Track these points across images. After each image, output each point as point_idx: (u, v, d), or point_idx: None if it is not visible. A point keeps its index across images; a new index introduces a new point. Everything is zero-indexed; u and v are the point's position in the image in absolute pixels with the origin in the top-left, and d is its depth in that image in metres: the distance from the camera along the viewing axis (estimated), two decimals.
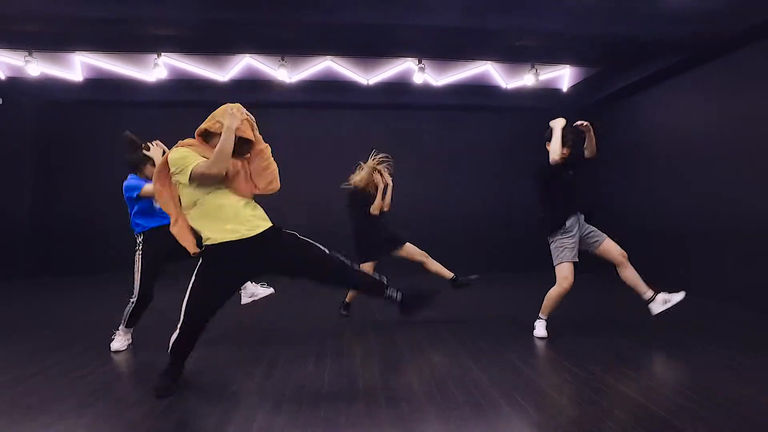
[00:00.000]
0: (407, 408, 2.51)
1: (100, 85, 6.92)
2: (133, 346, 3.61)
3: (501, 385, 2.82)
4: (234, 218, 2.54)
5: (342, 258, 2.72)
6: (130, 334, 3.62)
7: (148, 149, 3.46)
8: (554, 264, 3.80)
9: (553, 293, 3.78)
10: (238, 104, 2.64)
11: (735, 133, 5.19)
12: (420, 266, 4.54)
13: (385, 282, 2.80)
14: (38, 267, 7.45)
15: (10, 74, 6.49)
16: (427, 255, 4.53)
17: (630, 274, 3.75)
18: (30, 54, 5.60)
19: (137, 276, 3.45)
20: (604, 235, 3.85)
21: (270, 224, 2.67)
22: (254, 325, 4.28)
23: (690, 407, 2.46)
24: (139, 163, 3.51)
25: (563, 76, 7.28)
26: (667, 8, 4.71)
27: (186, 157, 2.51)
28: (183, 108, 7.65)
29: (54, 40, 5.45)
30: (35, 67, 5.69)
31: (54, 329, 4.17)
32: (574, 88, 7.52)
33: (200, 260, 2.63)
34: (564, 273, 3.71)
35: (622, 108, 7.29)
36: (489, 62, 6.58)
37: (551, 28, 5.03)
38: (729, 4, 4.63)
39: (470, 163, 8.17)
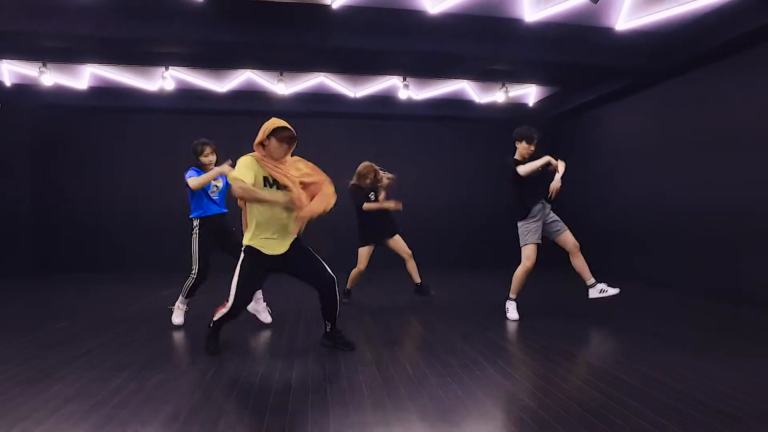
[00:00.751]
0: (410, 369, 3.16)
1: (103, 92, 7.33)
2: (164, 335, 4.13)
3: (483, 353, 3.51)
4: (276, 230, 3.27)
5: (332, 277, 3.43)
6: (185, 306, 4.29)
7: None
8: (520, 245, 4.48)
9: (519, 272, 4.47)
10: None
11: (669, 144, 6.13)
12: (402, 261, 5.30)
13: (334, 321, 3.61)
14: (40, 266, 7.76)
15: (15, 81, 6.81)
16: (411, 255, 5.24)
17: (579, 262, 4.47)
18: (44, 65, 5.97)
19: (195, 255, 4.10)
20: (565, 226, 4.52)
21: (294, 238, 3.35)
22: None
23: (643, 371, 3.21)
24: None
25: (530, 94, 8.13)
26: (616, 43, 5.56)
27: (241, 167, 3.17)
28: (181, 115, 8.13)
29: (67, 55, 5.86)
30: (49, 77, 6.07)
31: (82, 322, 4.64)
32: (539, 103, 8.38)
33: (242, 255, 3.36)
34: (527, 253, 4.41)
35: (579, 121, 8.21)
36: (465, 81, 7.33)
37: (521, 55, 5.80)
38: (665, 45, 5.54)
39: (445, 167, 8.94)
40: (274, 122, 3.21)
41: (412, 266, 5.26)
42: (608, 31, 5.29)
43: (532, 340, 3.88)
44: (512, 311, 4.53)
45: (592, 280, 4.46)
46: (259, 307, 4.40)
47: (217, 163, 4.16)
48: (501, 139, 8.96)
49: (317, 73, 6.94)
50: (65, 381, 2.94)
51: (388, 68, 6.45)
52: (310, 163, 3.44)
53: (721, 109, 5.42)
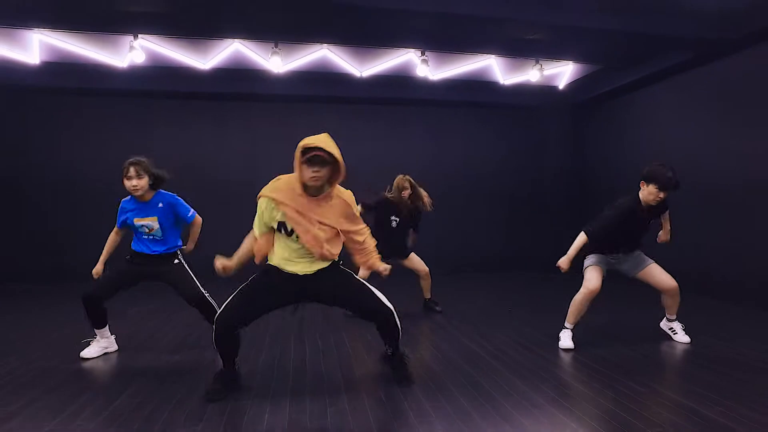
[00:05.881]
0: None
1: (60, 69, 6.12)
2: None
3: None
4: (297, 259, 2.67)
5: (383, 304, 2.74)
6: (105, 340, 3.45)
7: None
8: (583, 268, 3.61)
9: (577, 297, 3.55)
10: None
11: (723, 134, 5.19)
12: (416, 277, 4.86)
13: (396, 346, 2.93)
14: None
15: None
16: (428, 273, 4.83)
17: (669, 301, 3.67)
18: None
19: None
20: (651, 260, 3.62)
21: (327, 264, 2.71)
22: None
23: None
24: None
25: (562, 74, 7.12)
26: (675, 8, 4.58)
27: (259, 214, 2.64)
28: (153, 99, 6.99)
29: (10, 15, 4.69)
30: None
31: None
32: (570, 86, 7.40)
33: (261, 271, 2.71)
34: (587, 275, 3.53)
35: (612, 107, 7.26)
36: (493, 56, 6.28)
37: (568, 20, 4.81)
38: (730, 10, 4.59)
39: (460, 158, 7.92)
40: (304, 141, 2.47)
41: (425, 283, 4.88)
42: None
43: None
44: (565, 339, 3.57)
45: (674, 317, 3.76)
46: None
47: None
48: (526, 126, 8.05)
49: (318, 45, 5.82)
50: None
51: (402, 36, 5.32)
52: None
53: None
